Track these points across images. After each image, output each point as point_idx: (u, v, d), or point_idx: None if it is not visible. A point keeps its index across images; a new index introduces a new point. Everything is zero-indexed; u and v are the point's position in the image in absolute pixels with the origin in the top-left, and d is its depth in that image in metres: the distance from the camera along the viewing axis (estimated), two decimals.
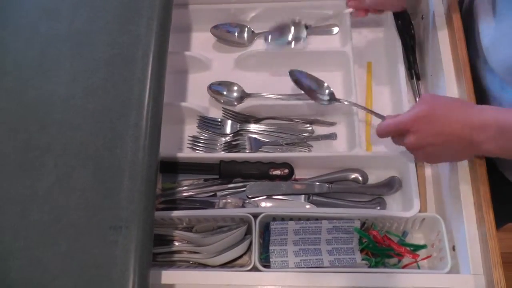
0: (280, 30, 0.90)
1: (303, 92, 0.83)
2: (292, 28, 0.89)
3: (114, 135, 0.63)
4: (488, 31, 0.71)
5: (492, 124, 0.57)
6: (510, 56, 0.65)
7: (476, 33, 0.75)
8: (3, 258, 0.59)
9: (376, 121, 0.86)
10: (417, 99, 0.86)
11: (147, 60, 0.67)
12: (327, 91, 0.81)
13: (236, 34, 0.94)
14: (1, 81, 0.68)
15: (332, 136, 0.84)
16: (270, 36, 0.90)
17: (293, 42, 0.89)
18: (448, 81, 0.76)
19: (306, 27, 0.89)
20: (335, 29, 0.94)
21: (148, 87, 0.65)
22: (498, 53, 0.68)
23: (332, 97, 0.80)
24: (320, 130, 0.87)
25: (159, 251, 0.77)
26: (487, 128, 0.57)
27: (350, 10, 0.83)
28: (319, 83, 0.82)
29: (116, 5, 0.72)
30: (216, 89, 0.88)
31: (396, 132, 0.65)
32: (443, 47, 0.79)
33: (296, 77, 0.82)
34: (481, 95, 0.74)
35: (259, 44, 0.95)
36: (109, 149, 0.62)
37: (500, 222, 0.92)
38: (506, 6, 0.67)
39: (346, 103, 0.80)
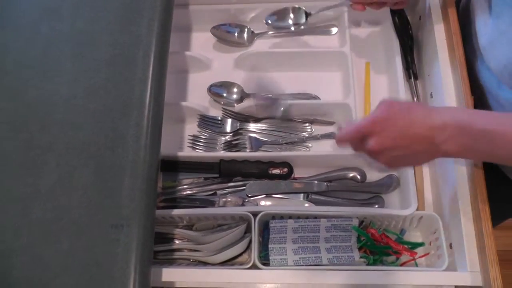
0: (281, 14, 0.92)
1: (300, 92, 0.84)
2: (291, 13, 0.91)
3: (116, 135, 0.64)
4: (485, 30, 0.72)
5: (452, 124, 0.56)
6: (507, 55, 0.65)
7: (473, 32, 0.76)
8: (5, 256, 0.60)
9: None
10: (415, 99, 0.87)
11: (148, 60, 0.68)
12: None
13: (236, 34, 0.95)
14: (3, 81, 0.69)
15: (331, 135, 0.85)
16: (270, 19, 0.92)
17: (293, 27, 0.91)
18: (445, 81, 0.77)
19: (306, 13, 0.91)
20: (334, 30, 0.95)
21: (149, 87, 0.66)
22: (495, 52, 0.69)
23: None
24: (319, 129, 0.87)
25: (159, 249, 0.77)
26: (446, 128, 0.56)
27: (349, 2, 0.84)
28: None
29: (118, 5, 0.73)
30: (216, 91, 0.89)
31: (356, 138, 0.62)
32: (440, 48, 0.80)
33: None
34: (479, 94, 0.74)
35: (259, 44, 0.95)
36: (111, 149, 0.63)
37: (496, 219, 0.93)
38: (502, 6, 0.67)
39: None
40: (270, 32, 0.94)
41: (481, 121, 0.56)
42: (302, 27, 0.92)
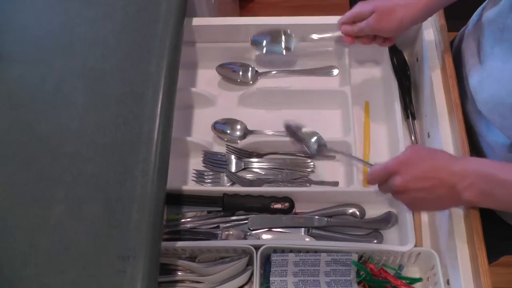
0: (273, 38, 0.93)
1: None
2: (283, 38, 0.93)
3: (124, 169, 0.66)
4: (474, 72, 0.75)
5: (473, 172, 0.59)
6: (494, 94, 0.68)
7: (464, 75, 0.79)
8: (13, 285, 0.61)
9: (373, 156, 0.90)
10: (412, 138, 0.89)
11: (157, 97, 0.70)
12: (316, 144, 0.83)
13: (240, 73, 0.97)
14: (17, 114, 0.71)
15: (334, 184, 0.87)
16: (265, 42, 0.93)
17: (284, 50, 0.93)
18: (442, 122, 0.80)
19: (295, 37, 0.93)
20: (335, 71, 0.97)
21: (157, 123, 0.68)
22: (483, 92, 0.71)
23: (322, 148, 0.83)
24: (319, 164, 0.90)
25: (163, 280, 0.78)
26: (468, 175, 0.59)
27: (341, 34, 0.85)
28: (310, 135, 0.84)
29: (128, 44, 0.76)
30: (220, 128, 0.91)
31: (384, 177, 0.67)
32: (437, 89, 0.82)
33: (290, 129, 0.84)
34: (471, 135, 0.77)
35: (262, 83, 0.98)
36: (119, 182, 0.65)
37: (495, 255, 0.94)
38: (490, 49, 0.70)
39: (333, 154, 0.85)
40: (274, 72, 0.97)
41: (503, 172, 0.58)
42: (292, 49, 0.93)
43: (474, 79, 0.74)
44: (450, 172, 0.60)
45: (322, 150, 0.83)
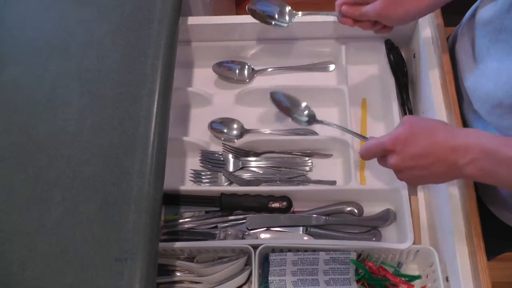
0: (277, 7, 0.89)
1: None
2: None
3: (121, 170, 0.65)
4: (470, 72, 0.74)
5: (475, 147, 0.57)
6: (490, 95, 0.68)
7: (459, 75, 0.79)
8: None
9: None
10: None
11: (152, 98, 0.70)
12: (305, 111, 0.82)
13: (236, 71, 0.97)
14: (13, 117, 0.71)
15: (332, 183, 0.87)
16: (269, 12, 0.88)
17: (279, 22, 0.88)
18: (439, 117, 0.79)
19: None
20: (332, 67, 0.98)
21: (153, 124, 0.68)
22: (479, 92, 0.71)
23: (312, 119, 0.81)
24: (317, 162, 0.90)
25: (161, 281, 0.79)
26: (469, 150, 0.57)
27: (338, 14, 0.81)
28: (297, 103, 0.84)
29: (123, 44, 0.75)
30: (217, 127, 0.91)
31: (378, 154, 0.65)
32: (434, 86, 0.82)
33: (276, 99, 0.84)
34: None
35: (258, 81, 0.98)
36: (116, 184, 0.65)
37: (493, 253, 0.94)
38: (486, 49, 0.70)
39: (327, 124, 0.83)
40: (270, 69, 0.97)
41: (506, 148, 0.56)
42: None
43: (470, 80, 0.74)
44: (450, 148, 0.58)
45: (312, 121, 0.81)
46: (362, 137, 0.74)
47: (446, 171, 0.60)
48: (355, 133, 0.78)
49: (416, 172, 0.61)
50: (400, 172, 0.64)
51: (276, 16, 0.88)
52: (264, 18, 0.88)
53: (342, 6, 0.80)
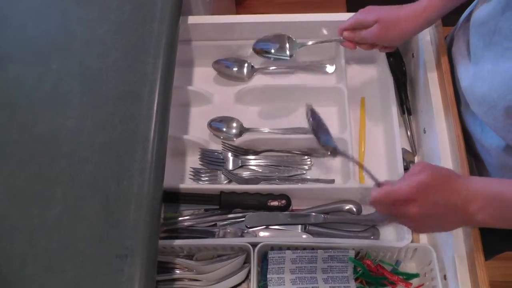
0: (277, 43, 0.91)
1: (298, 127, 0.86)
2: (287, 44, 0.91)
3: (121, 168, 0.66)
4: (466, 74, 0.75)
5: (482, 194, 0.57)
6: (486, 96, 0.68)
7: (456, 77, 0.79)
8: (11, 285, 0.61)
9: (369, 152, 0.90)
10: (408, 133, 0.90)
11: (153, 96, 0.71)
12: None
13: (236, 69, 0.98)
14: (14, 114, 0.71)
15: (330, 181, 0.87)
16: (272, 49, 0.90)
17: (288, 57, 0.90)
18: (437, 118, 0.80)
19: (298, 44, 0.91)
20: (331, 68, 0.98)
21: (153, 122, 0.69)
22: (475, 94, 0.71)
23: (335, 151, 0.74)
24: (316, 160, 0.90)
25: (160, 278, 0.79)
26: (478, 198, 0.57)
27: (341, 38, 0.84)
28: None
29: (124, 43, 0.76)
30: (216, 126, 0.92)
31: (396, 202, 0.59)
32: (432, 85, 0.83)
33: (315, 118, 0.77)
34: (465, 138, 0.77)
35: (258, 79, 0.99)
36: (116, 181, 0.65)
37: (492, 253, 0.94)
38: (481, 51, 0.70)
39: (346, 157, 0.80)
40: (270, 68, 0.98)
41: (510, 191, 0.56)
42: (293, 55, 0.92)
43: (466, 81, 0.74)
44: (462, 197, 0.57)
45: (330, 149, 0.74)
46: (374, 179, 0.64)
47: (459, 219, 0.59)
48: (368, 172, 0.67)
49: (432, 221, 0.59)
50: (414, 221, 0.60)
51: (277, 51, 0.90)
52: (268, 54, 0.90)
53: (343, 32, 0.83)
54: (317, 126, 0.73)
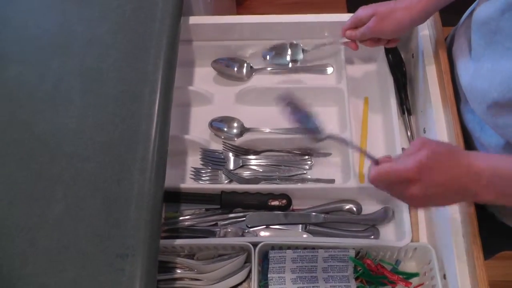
0: (278, 49, 0.95)
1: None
2: (289, 49, 0.94)
3: (122, 168, 0.66)
4: (466, 72, 0.75)
5: (487, 172, 0.56)
6: (486, 95, 0.68)
7: (456, 75, 0.79)
8: (12, 284, 0.62)
9: (371, 152, 0.90)
10: (408, 133, 0.90)
11: (154, 96, 0.71)
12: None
13: (235, 69, 0.98)
14: (16, 113, 0.72)
15: (330, 181, 0.87)
16: (268, 55, 0.95)
17: (290, 63, 0.94)
18: (437, 118, 0.80)
19: (303, 49, 0.94)
20: (330, 70, 0.98)
21: (155, 122, 0.69)
22: (475, 92, 0.72)
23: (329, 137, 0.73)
24: (316, 160, 0.90)
25: (161, 278, 0.79)
26: (481, 176, 0.55)
27: (345, 40, 0.86)
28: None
29: (125, 43, 0.76)
30: (217, 126, 0.92)
31: (395, 181, 0.58)
32: (432, 85, 0.83)
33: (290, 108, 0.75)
34: (464, 136, 0.77)
35: (257, 79, 0.99)
36: (117, 181, 0.65)
37: (491, 252, 0.94)
38: (482, 50, 0.70)
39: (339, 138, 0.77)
40: (269, 68, 0.98)
41: None
42: (299, 63, 0.95)
43: (466, 79, 0.75)
44: (464, 174, 0.56)
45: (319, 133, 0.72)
46: (371, 157, 0.64)
47: (460, 196, 0.59)
48: (364, 151, 0.70)
49: (432, 200, 0.58)
50: (414, 200, 0.59)
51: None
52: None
53: (346, 32, 0.85)
54: (300, 119, 0.70)
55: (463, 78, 0.75)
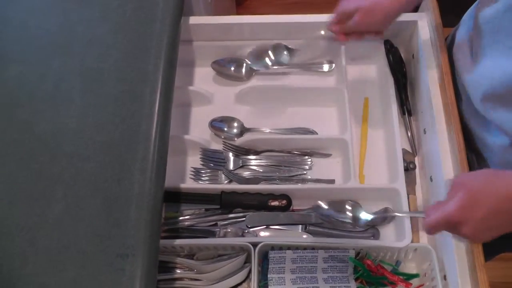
0: (260, 53, 0.93)
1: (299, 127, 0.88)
2: (271, 52, 0.92)
3: (122, 167, 0.66)
4: (467, 71, 0.75)
5: None
6: (487, 91, 0.68)
7: (458, 75, 0.79)
8: (12, 284, 0.62)
9: (370, 152, 0.90)
10: (409, 134, 0.90)
11: (154, 96, 0.71)
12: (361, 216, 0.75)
13: (234, 69, 0.98)
14: (16, 113, 0.72)
15: (330, 181, 0.87)
16: (251, 59, 0.94)
17: (274, 66, 0.93)
18: (437, 118, 0.80)
19: (288, 48, 0.92)
20: (331, 66, 0.98)
21: (155, 122, 0.69)
22: (477, 89, 0.71)
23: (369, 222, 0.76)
24: (316, 161, 0.90)
25: (161, 278, 0.79)
26: None
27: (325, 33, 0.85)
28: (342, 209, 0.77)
29: (126, 43, 0.76)
30: (217, 126, 0.92)
31: (446, 228, 0.61)
32: (432, 86, 0.83)
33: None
34: (466, 137, 0.77)
35: (258, 79, 0.99)
36: (117, 181, 0.65)
37: (492, 253, 0.94)
38: (483, 50, 0.70)
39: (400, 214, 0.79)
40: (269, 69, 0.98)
41: None
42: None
43: (468, 79, 0.75)
44: (507, 198, 0.57)
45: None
46: (419, 213, 0.69)
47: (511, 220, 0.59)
48: (412, 212, 0.78)
49: (489, 232, 0.59)
50: (473, 238, 0.61)
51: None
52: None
53: (332, 27, 0.82)
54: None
55: (464, 77, 0.75)
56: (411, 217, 0.79)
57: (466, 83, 0.75)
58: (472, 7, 0.80)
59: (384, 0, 0.75)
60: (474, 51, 0.73)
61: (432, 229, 0.62)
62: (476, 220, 0.57)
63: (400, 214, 0.79)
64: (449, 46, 0.85)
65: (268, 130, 0.91)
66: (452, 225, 0.59)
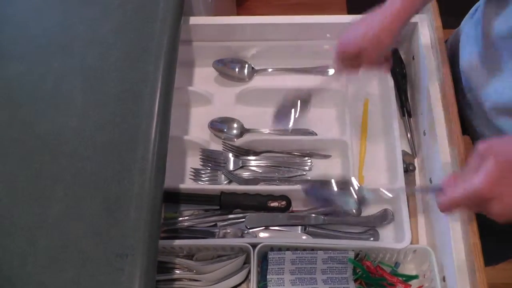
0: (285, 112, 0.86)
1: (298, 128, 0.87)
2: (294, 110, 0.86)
3: (122, 167, 0.66)
4: (485, 84, 0.74)
5: None
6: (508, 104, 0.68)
7: (456, 78, 0.79)
8: (11, 283, 0.62)
9: (369, 154, 0.90)
10: (409, 136, 0.90)
11: (154, 96, 0.71)
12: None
13: (236, 69, 0.98)
14: (16, 113, 0.72)
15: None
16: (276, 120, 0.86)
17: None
18: (437, 120, 0.80)
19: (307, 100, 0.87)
20: (331, 71, 0.98)
21: (155, 122, 0.69)
22: (499, 103, 0.71)
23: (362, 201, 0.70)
24: (316, 162, 0.90)
25: (160, 278, 0.79)
26: None
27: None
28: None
29: (126, 43, 0.76)
30: (217, 126, 0.92)
31: (472, 204, 0.52)
32: (432, 88, 0.83)
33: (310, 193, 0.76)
34: (471, 136, 0.77)
35: (258, 80, 0.99)
36: (117, 181, 0.65)
37: (495, 260, 0.93)
38: (503, 63, 0.69)
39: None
40: (270, 69, 0.98)
41: None
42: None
43: (486, 93, 0.73)
44: None
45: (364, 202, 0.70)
46: (434, 187, 0.59)
47: None
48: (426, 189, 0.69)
49: None
50: (505, 216, 0.52)
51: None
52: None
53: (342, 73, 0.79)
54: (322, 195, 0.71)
55: (482, 91, 0.74)
56: (410, 218, 0.79)
57: (484, 97, 0.74)
58: (471, 9, 0.80)
59: (385, 29, 0.69)
60: (496, 64, 0.70)
61: (453, 206, 0.53)
62: (509, 197, 0.49)
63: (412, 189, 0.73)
64: (449, 48, 0.86)
65: (267, 131, 0.91)
66: (480, 202, 0.50)
